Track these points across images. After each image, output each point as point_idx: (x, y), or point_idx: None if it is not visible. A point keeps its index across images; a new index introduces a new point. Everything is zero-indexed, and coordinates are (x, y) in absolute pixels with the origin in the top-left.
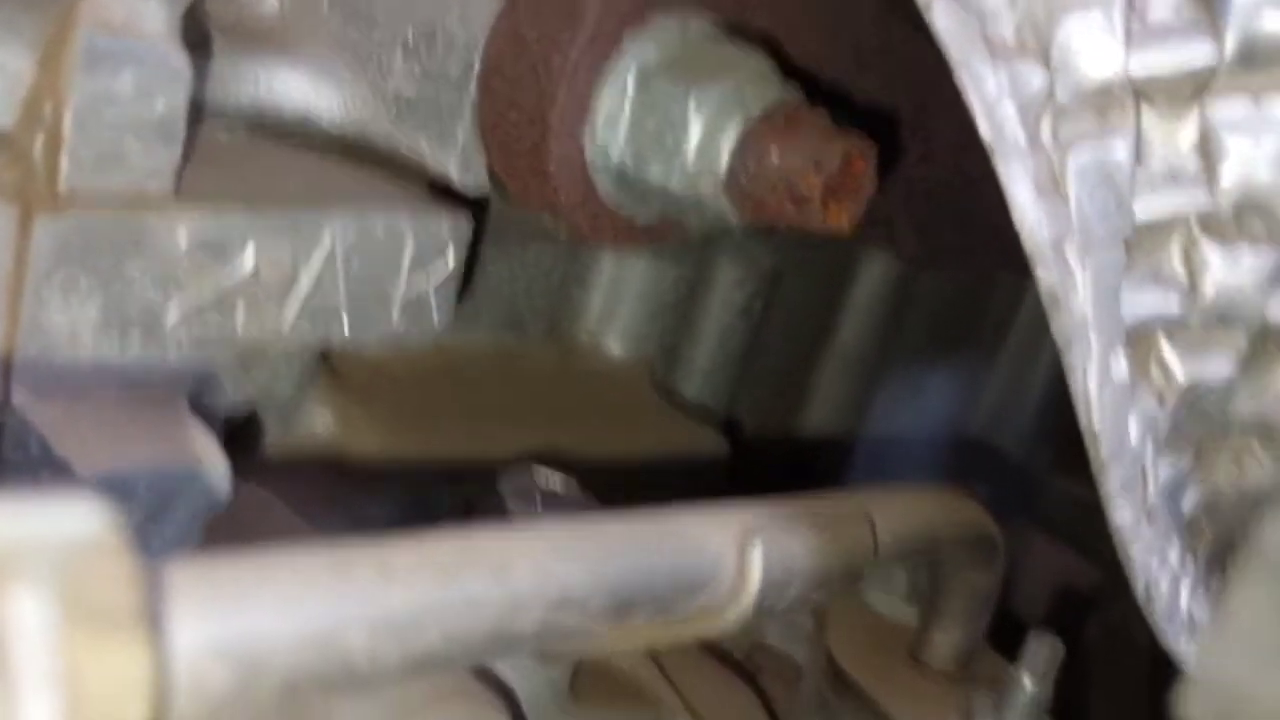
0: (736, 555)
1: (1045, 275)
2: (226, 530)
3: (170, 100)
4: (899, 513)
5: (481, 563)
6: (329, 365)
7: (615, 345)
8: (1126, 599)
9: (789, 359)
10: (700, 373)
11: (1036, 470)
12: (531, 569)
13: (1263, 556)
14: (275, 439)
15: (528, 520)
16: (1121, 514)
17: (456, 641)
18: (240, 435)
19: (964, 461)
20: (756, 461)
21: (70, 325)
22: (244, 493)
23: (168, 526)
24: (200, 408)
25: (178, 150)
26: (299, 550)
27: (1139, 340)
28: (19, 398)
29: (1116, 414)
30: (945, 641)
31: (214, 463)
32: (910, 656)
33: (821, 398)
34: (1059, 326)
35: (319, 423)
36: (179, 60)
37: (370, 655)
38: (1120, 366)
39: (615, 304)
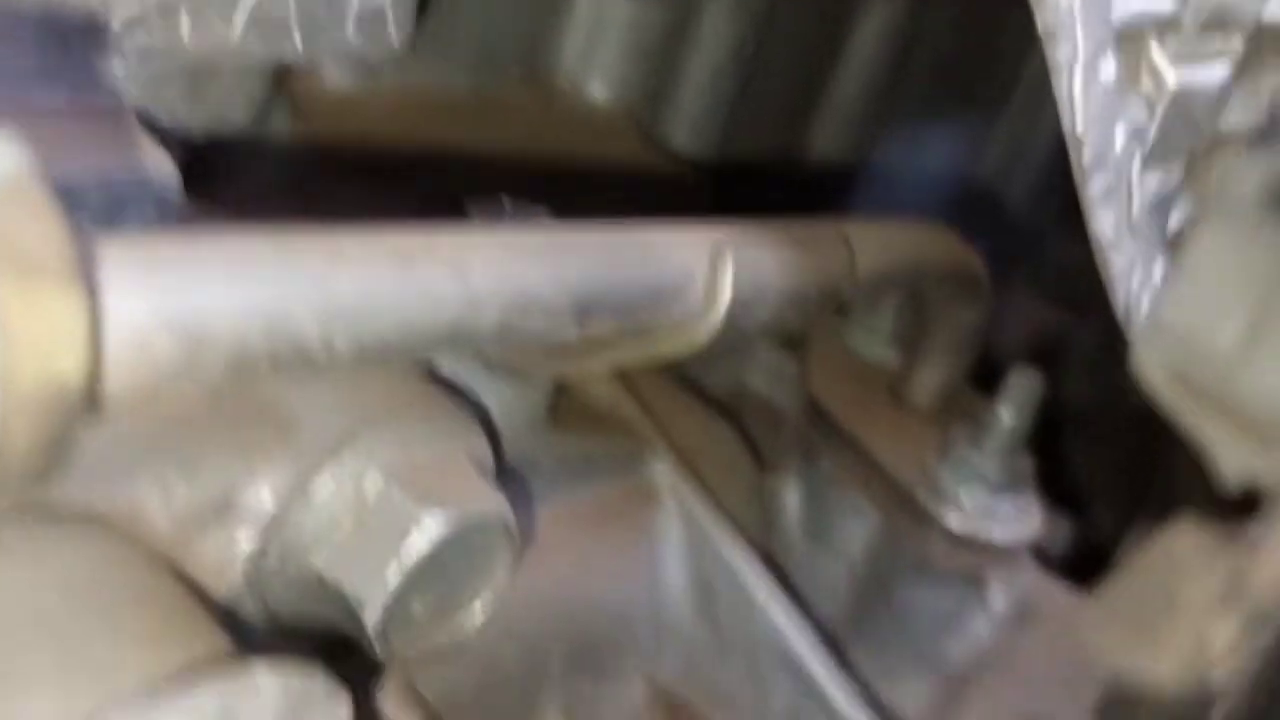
0: (707, 268)
1: None
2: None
3: None
4: (879, 241)
5: (438, 257)
6: (294, 105)
7: (597, 89)
8: (1117, 351)
9: (784, 104)
10: (688, 119)
11: (1039, 222)
12: (489, 267)
13: (1223, 198)
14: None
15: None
16: (1102, 223)
17: (413, 332)
18: (199, 164)
19: (966, 211)
20: (748, 212)
21: (9, 30)
22: (206, 218)
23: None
24: (149, 123)
25: None
26: (247, 233)
27: (1129, 42)
28: None
29: (1102, 118)
30: (927, 379)
31: (164, 171)
32: (891, 395)
33: (818, 148)
34: (1044, 21)
35: (291, 153)
36: None
37: (323, 339)
38: (1109, 69)
39: (596, 45)
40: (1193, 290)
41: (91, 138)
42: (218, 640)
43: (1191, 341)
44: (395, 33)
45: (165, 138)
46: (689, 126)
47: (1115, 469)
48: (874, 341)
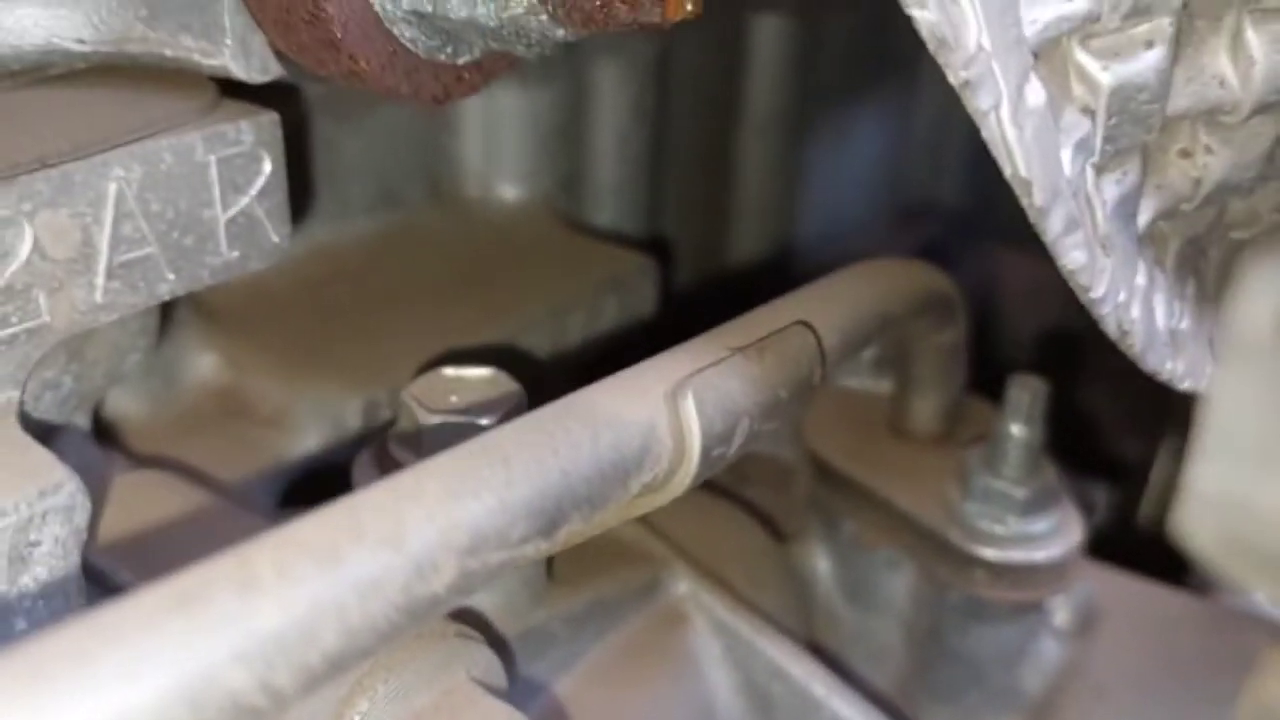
0: (668, 416)
1: (925, 16)
2: (134, 527)
3: None
4: (839, 306)
5: (366, 537)
6: (197, 306)
7: (508, 189)
8: None
9: (701, 150)
10: (608, 192)
11: (992, 190)
12: (427, 524)
13: (1238, 343)
14: (164, 405)
15: (412, 461)
16: (1073, 256)
17: (363, 633)
18: (108, 421)
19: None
20: (692, 270)
21: None
22: (143, 481)
23: (36, 565)
24: (31, 422)
25: None
26: (142, 593)
27: (1050, 55)
28: None
29: (1044, 149)
30: (924, 407)
31: (60, 483)
32: (892, 429)
33: (746, 181)
34: (955, 70)
35: (205, 370)
36: None
37: (262, 685)
38: (1036, 93)
39: (495, 144)
40: (1228, 452)
41: None
42: None
43: (1241, 507)
44: (274, 231)
45: (46, 426)
46: (610, 201)
47: (1138, 403)
48: (859, 372)
